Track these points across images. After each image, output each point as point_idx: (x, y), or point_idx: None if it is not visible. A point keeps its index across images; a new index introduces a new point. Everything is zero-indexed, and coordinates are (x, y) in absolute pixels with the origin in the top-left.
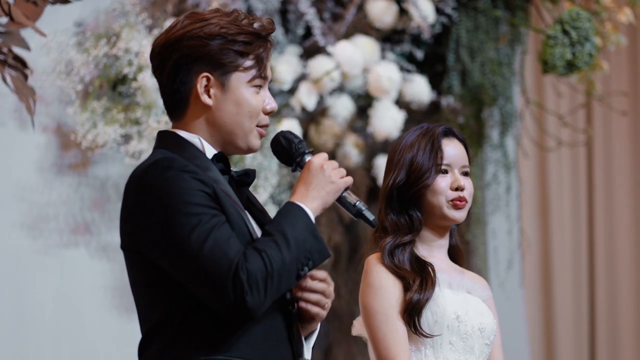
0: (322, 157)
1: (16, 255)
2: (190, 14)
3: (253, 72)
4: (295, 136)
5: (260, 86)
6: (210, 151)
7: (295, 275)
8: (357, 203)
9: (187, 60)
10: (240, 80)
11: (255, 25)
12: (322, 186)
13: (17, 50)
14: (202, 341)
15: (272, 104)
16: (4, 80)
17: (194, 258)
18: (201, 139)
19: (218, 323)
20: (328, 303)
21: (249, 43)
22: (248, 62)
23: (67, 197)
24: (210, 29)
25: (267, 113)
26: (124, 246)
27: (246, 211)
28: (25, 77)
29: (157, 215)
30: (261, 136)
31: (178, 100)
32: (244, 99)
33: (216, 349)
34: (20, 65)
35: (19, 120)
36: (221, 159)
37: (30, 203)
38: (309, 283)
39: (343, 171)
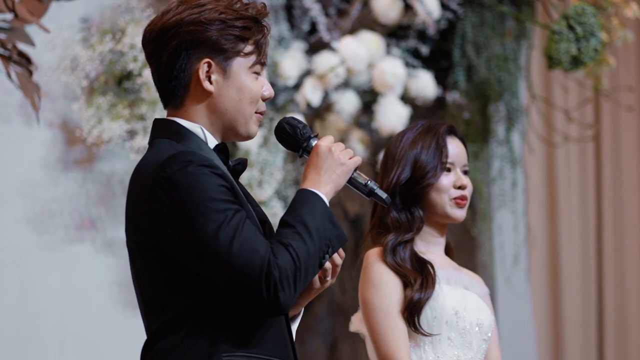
0: (329, 139)
1: (21, 251)
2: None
3: (253, 57)
4: (299, 121)
5: (258, 72)
6: (212, 141)
7: (318, 265)
8: (369, 183)
9: (188, 45)
10: (241, 66)
11: (251, 10)
12: (332, 169)
13: (22, 47)
14: (222, 336)
15: (269, 90)
16: (9, 76)
17: (224, 257)
18: (203, 128)
19: (238, 318)
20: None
21: (247, 28)
22: (248, 48)
23: (73, 193)
24: (209, 14)
25: (265, 99)
26: (137, 240)
27: None
28: (30, 73)
29: (181, 213)
30: (259, 122)
31: (177, 87)
32: (245, 85)
33: (237, 345)
34: (25, 61)
35: (24, 116)
36: (222, 149)
37: (36, 199)
38: (338, 260)
39: (351, 152)
